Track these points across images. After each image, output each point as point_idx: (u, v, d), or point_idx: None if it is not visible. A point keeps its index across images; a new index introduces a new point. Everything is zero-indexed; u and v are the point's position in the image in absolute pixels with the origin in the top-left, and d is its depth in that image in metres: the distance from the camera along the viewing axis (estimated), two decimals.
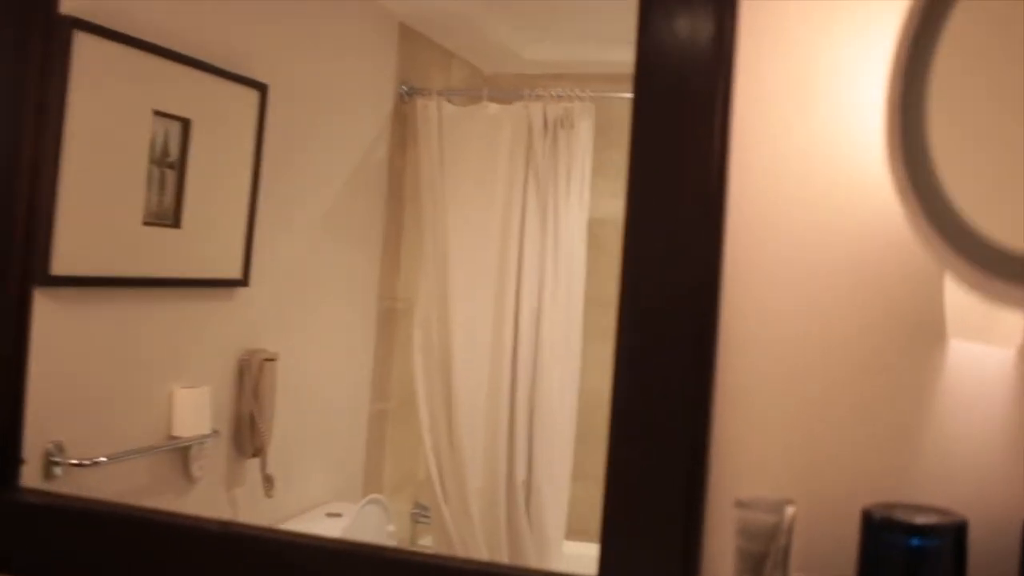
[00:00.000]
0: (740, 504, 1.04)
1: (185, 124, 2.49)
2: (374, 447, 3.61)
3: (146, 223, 2.41)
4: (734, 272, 1.14)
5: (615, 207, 3.89)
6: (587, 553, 3.70)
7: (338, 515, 3.13)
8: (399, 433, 3.73)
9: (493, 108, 3.54)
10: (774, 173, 1.16)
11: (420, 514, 3.79)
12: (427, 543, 3.72)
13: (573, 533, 3.59)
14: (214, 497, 2.77)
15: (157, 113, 2.41)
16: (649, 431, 1.09)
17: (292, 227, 3.04)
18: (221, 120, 2.67)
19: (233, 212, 2.75)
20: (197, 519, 1.52)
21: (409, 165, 3.65)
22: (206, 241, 2.66)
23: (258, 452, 2.84)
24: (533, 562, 3.45)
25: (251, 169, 2.77)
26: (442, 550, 3.53)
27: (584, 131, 3.47)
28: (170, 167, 2.47)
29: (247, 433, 2.81)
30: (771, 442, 1.12)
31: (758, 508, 1.01)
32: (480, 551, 3.48)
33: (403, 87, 3.59)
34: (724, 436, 1.12)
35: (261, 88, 2.74)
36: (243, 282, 2.78)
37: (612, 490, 1.09)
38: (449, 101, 3.56)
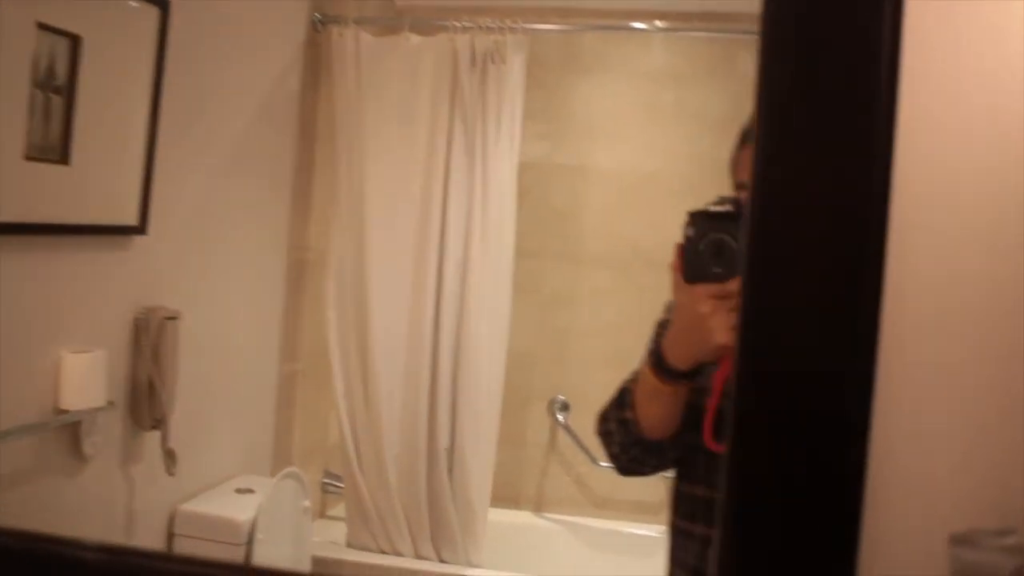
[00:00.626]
0: (958, 541, 0.77)
1: (74, 41, 2.10)
2: (283, 413, 3.28)
3: (28, 157, 2.03)
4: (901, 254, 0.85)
5: (542, 151, 3.66)
6: (513, 520, 3.47)
7: (249, 491, 2.80)
8: (309, 397, 3.41)
9: (415, 40, 3.20)
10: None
11: (330, 484, 3.49)
12: (338, 514, 3.42)
13: (498, 500, 3.34)
14: (108, 477, 2.41)
15: (41, 27, 2.01)
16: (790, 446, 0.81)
17: (194, 167, 2.67)
18: (116, 39, 2.27)
19: (129, 147, 2.36)
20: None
21: (322, 100, 3.29)
22: (98, 181, 2.28)
23: (158, 424, 2.49)
24: (457, 532, 3.18)
25: (149, 98, 2.39)
26: (356, 522, 3.24)
27: (516, 66, 3.17)
28: (56, 92, 2.08)
29: (145, 403, 2.45)
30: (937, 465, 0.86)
31: (986, 546, 0.75)
32: (399, 522, 3.20)
33: (317, 15, 3.23)
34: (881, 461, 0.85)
35: (162, 5, 2.36)
36: (140, 229, 2.41)
37: (744, 526, 0.81)
38: (367, 31, 3.21)
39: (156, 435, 2.51)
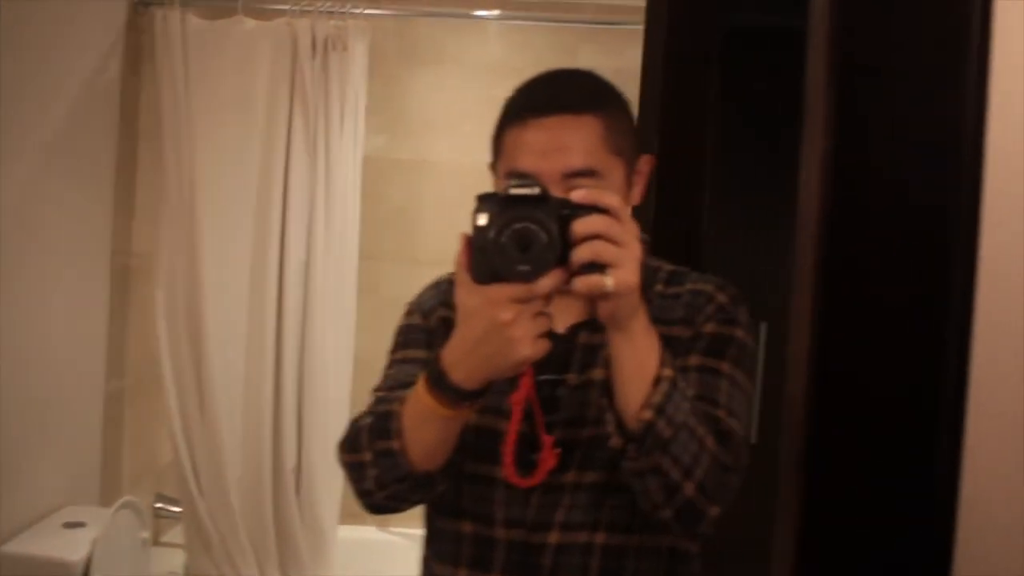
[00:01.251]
0: None
1: None
2: (111, 434, 2.98)
3: None
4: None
5: (379, 145, 3.47)
6: (362, 537, 3.28)
7: (80, 524, 2.52)
8: (136, 415, 3.11)
9: (250, 24, 2.96)
10: None
11: (164, 509, 3.20)
12: (174, 540, 3.14)
13: (347, 516, 3.15)
14: None
15: None
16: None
17: (13, 164, 2.36)
18: None
19: None
20: None
21: (146, 91, 3.00)
22: None
23: None
24: (305, 553, 2.97)
25: None
26: (196, 549, 2.98)
27: (359, 54, 2.98)
28: None
29: None
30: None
31: None
32: (243, 548, 2.96)
33: None
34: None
35: None
36: None
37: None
38: (195, 14, 2.94)
39: None
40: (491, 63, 3.50)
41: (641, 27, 3.40)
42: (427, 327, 1.32)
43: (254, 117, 2.94)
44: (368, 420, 1.22)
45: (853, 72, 0.72)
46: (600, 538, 1.20)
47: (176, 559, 3.05)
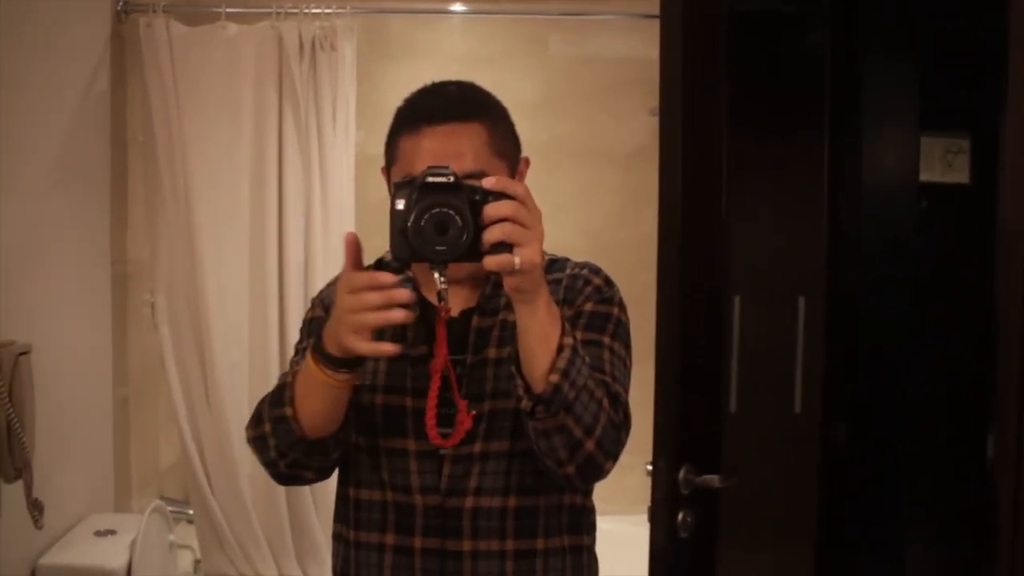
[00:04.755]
0: None
1: None
2: (120, 441, 3.00)
3: None
4: None
5: (362, 141, 3.52)
6: None
7: (111, 532, 2.55)
8: (140, 421, 3.14)
9: (232, 28, 2.98)
10: None
11: (173, 511, 3.22)
12: (181, 540, 3.17)
13: None
14: None
15: None
16: None
17: (21, 184, 2.38)
18: None
19: None
20: None
21: (134, 98, 3.01)
22: None
23: (20, 473, 2.21)
24: (323, 546, 3.03)
25: None
26: (210, 548, 3.02)
27: (348, 53, 3.02)
28: None
29: (4, 450, 2.17)
30: None
31: None
32: (259, 544, 3.01)
33: (120, 3, 2.94)
34: None
35: None
36: None
37: None
38: (178, 21, 2.95)
39: (16, 487, 2.23)
40: (462, 55, 3.56)
41: (607, 17, 3.53)
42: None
43: (244, 119, 2.96)
44: (268, 395, 1.36)
45: None
46: (512, 501, 1.36)
47: (185, 559, 3.09)
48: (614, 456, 1.29)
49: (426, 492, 1.36)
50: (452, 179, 1.17)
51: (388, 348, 1.20)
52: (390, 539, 1.38)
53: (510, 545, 1.36)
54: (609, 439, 1.27)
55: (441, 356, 1.26)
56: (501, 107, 1.41)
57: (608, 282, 1.44)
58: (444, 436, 1.28)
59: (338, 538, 1.46)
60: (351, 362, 1.23)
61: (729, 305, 2.07)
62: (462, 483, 1.36)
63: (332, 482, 3.00)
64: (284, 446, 1.32)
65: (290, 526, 3.03)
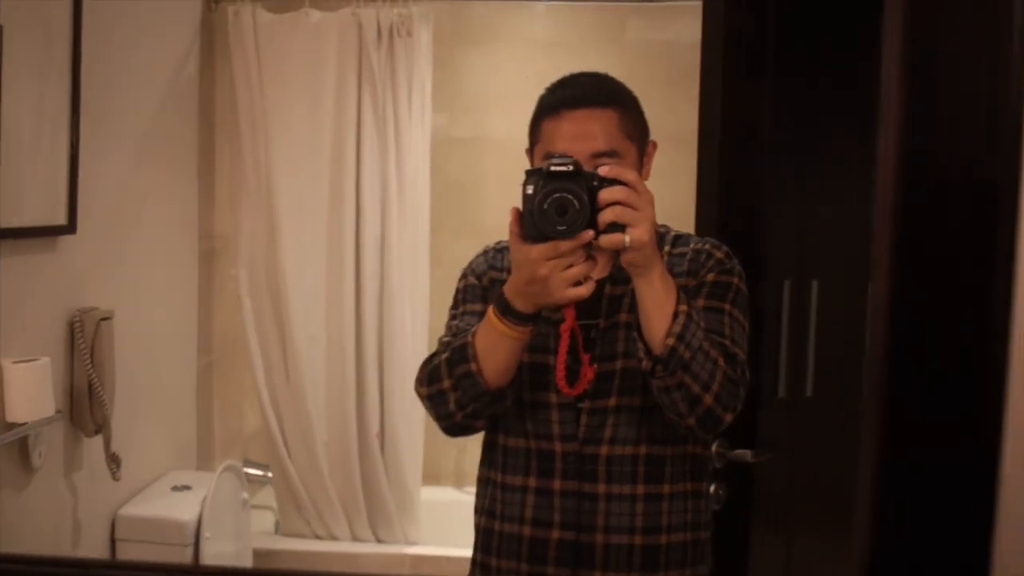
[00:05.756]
0: None
1: None
2: (203, 405, 3.19)
3: None
4: None
5: (438, 124, 3.63)
6: (442, 498, 3.47)
7: (186, 488, 2.73)
8: (224, 387, 3.32)
9: (316, 15, 3.13)
10: None
11: (251, 474, 3.40)
12: (261, 502, 3.35)
13: (426, 478, 3.35)
14: (54, 488, 2.32)
15: None
16: None
17: (109, 160, 2.56)
18: (36, 29, 2.16)
19: (53, 141, 2.25)
20: None
21: (222, 82, 3.19)
22: (20, 177, 2.16)
23: (100, 428, 2.39)
24: (393, 512, 3.18)
25: (69, 92, 2.28)
26: (288, 510, 3.19)
27: (423, 39, 3.14)
28: None
29: (86, 407, 2.36)
30: None
31: None
32: (334, 507, 3.17)
33: None
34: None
35: None
36: (70, 228, 2.30)
37: None
38: (264, 8, 3.11)
39: (96, 441, 2.41)
40: (542, 41, 3.65)
41: (685, 3, 3.56)
42: (481, 286, 1.62)
43: (325, 103, 3.11)
44: (444, 355, 1.50)
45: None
46: (643, 449, 1.51)
47: (267, 520, 3.26)
48: (733, 409, 1.44)
49: (565, 440, 1.52)
50: (572, 167, 1.34)
51: (584, 291, 1.36)
52: (532, 482, 1.54)
53: (640, 489, 1.51)
54: (727, 393, 1.41)
55: (570, 317, 1.42)
56: (632, 95, 1.56)
57: (729, 256, 1.57)
58: (571, 385, 1.45)
59: (485, 481, 1.61)
60: (535, 316, 1.41)
61: (779, 290, 2.11)
62: (598, 432, 1.50)
63: (404, 454, 3.15)
64: (467, 399, 1.47)
65: (363, 492, 3.17)
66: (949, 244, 0.90)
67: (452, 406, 1.49)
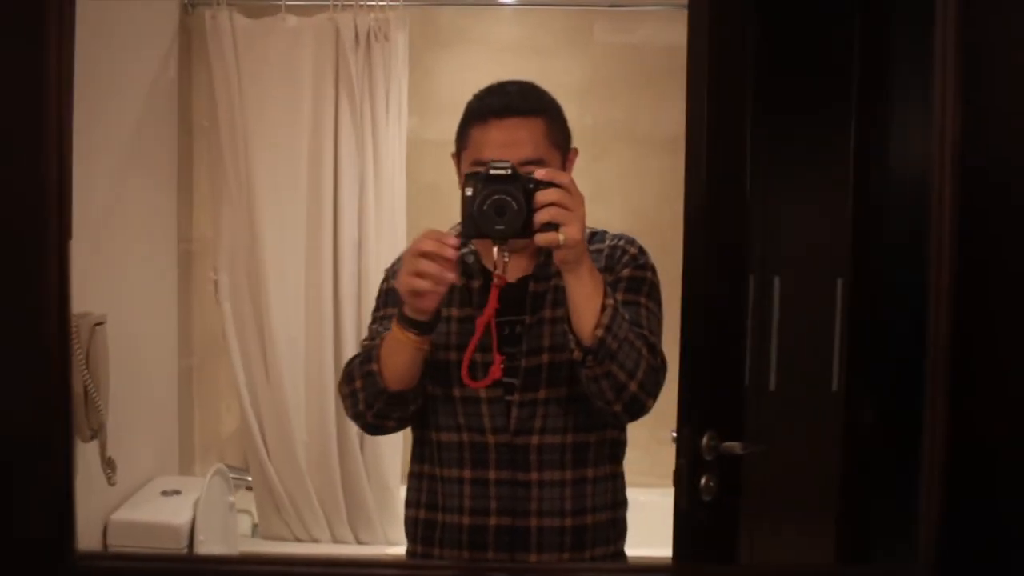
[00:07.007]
0: None
1: None
2: (184, 409, 3.19)
3: None
4: None
5: (410, 128, 3.67)
6: None
7: (176, 492, 2.74)
8: (204, 391, 3.33)
9: (293, 20, 3.15)
10: None
11: (232, 477, 3.41)
12: (240, 505, 3.36)
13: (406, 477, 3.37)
14: None
15: None
16: None
17: (95, 163, 2.56)
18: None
19: None
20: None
21: (200, 86, 3.19)
22: None
23: (95, 433, 2.40)
24: (373, 512, 3.21)
25: None
26: (267, 512, 3.21)
27: (400, 44, 3.18)
28: None
29: (82, 413, 2.36)
30: None
31: None
32: (313, 509, 3.19)
33: None
34: None
35: None
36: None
37: None
38: (241, 13, 3.12)
39: (90, 446, 2.41)
40: (511, 44, 3.69)
41: (652, 8, 3.64)
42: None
43: (302, 106, 3.13)
44: (359, 357, 1.61)
45: None
46: (570, 437, 1.62)
47: (243, 523, 3.27)
48: (654, 395, 1.55)
49: (497, 432, 1.61)
50: (510, 171, 1.44)
51: (424, 285, 1.45)
52: (468, 473, 1.62)
53: (568, 475, 1.62)
54: (650, 380, 1.52)
55: (486, 315, 1.50)
56: (556, 104, 1.64)
57: (642, 251, 1.68)
58: (475, 379, 1.54)
59: (419, 476, 1.70)
60: (422, 324, 1.50)
61: (768, 286, 2.18)
62: (529, 423, 1.60)
63: (384, 454, 3.18)
64: (371, 398, 1.56)
65: (343, 491, 3.20)
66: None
67: (361, 405, 1.59)
